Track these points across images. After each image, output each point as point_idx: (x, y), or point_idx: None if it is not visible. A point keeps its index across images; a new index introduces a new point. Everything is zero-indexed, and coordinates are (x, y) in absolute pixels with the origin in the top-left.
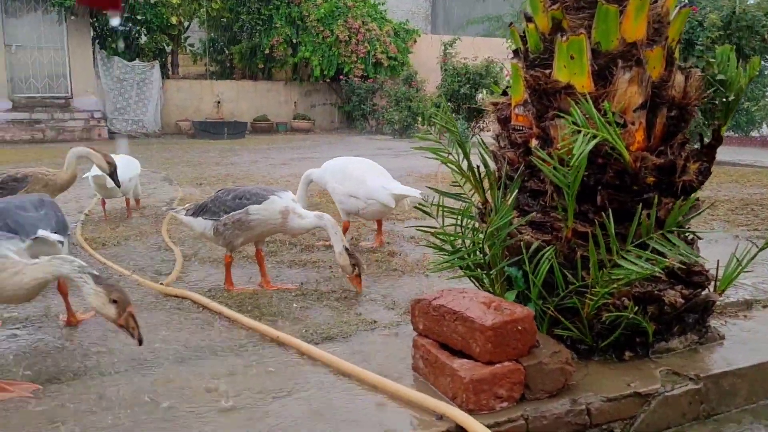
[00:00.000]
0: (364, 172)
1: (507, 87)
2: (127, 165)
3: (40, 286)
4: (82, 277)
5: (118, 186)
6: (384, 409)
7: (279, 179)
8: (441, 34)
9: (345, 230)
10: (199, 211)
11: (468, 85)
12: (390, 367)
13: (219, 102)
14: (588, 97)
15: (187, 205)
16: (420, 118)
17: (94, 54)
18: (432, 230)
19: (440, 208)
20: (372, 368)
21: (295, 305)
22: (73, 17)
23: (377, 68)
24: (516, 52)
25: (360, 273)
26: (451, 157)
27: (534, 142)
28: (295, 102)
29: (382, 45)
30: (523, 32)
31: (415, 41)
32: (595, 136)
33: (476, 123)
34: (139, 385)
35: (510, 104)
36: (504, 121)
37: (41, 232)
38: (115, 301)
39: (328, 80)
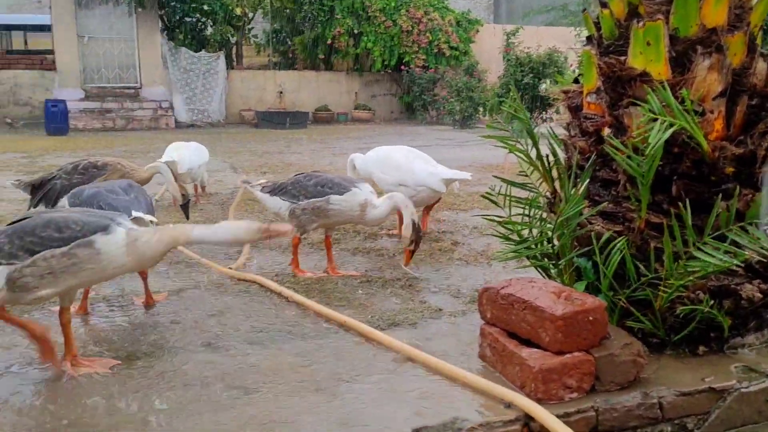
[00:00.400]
0: (410, 160)
1: (579, 75)
2: (197, 152)
3: (166, 252)
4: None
5: (187, 218)
6: (451, 395)
7: (341, 169)
8: (503, 24)
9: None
10: (277, 190)
11: (531, 75)
12: (456, 355)
13: (281, 92)
14: (665, 84)
15: (262, 181)
16: (481, 109)
17: (162, 45)
18: (499, 220)
19: (507, 198)
20: (438, 355)
21: (360, 292)
22: (142, 9)
23: (439, 58)
24: (589, 39)
25: (414, 250)
26: (519, 146)
27: (607, 131)
28: (355, 92)
29: (444, 35)
30: (597, 18)
31: (477, 31)
32: (672, 125)
33: (538, 113)
34: (213, 365)
35: (581, 92)
36: (575, 110)
37: (136, 213)
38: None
39: (389, 70)
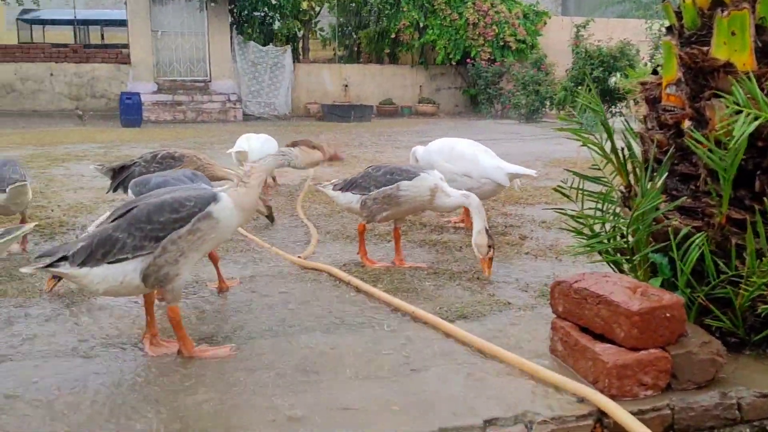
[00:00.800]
0: (476, 152)
1: (657, 66)
2: (267, 143)
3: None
4: None
5: (272, 222)
6: (521, 388)
7: (406, 162)
8: (572, 16)
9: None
10: (348, 186)
11: (601, 68)
12: (525, 348)
13: (346, 86)
14: (751, 75)
15: (333, 180)
16: (548, 103)
17: (231, 39)
18: (571, 214)
19: (579, 192)
20: (507, 348)
21: (428, 283)
22: (213, 4)
23: (505, 51)
24: (669, 29)
25: (492, 257)
26: (592, 139)
27: (687, 123)
28: (420, 86)
29: (510, 28)
30: (678, 8)
31: (545, 23)
32: (757, 117)
33: (608, 107)
34: (285, 350)
35: (660, 84)
36: (653, 102)
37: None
38: None
39: (454, 64)
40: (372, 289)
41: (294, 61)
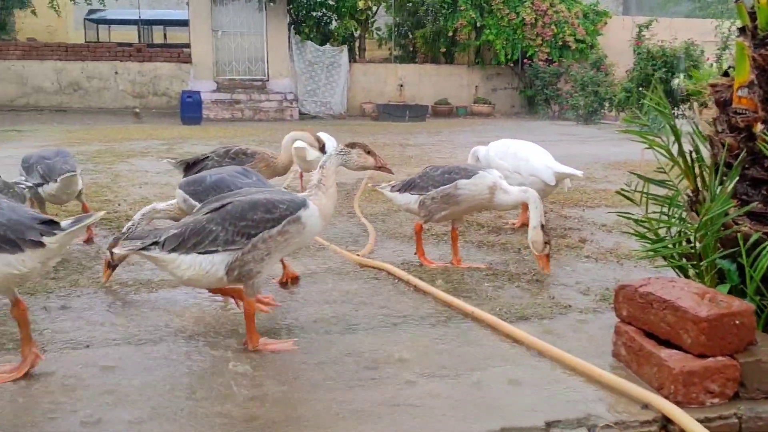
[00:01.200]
0: (529, 152)
1: (729, 68)
2: (328, 142)
3: None
4: None
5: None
6: (584, 391)
7: (461, 162)
8: (633, 16)
9: None
10: (406, 186)
11: (663, 69)
12: (586, 352)
13: (402, 85)
14: None
15: (391, 181)
16: (607, 104)
17: (289, 39)
18: (635, 217)
19: (644, 195)
20: (568, 351)
21: (486, 284)
22: (271, 4)
23: (563, 51)
24: (742, 30)
25: (549, 253)
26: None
27: (759, 127)
28: (476, 86)
29: (570, 27)
30: (752, 8)
31: (606, 23)
32: None
33: (671, 109)
34: (345, 346)
35: (731, 86)
36: (723, 104)
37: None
38: None
39: (510, 64)
40: (431, 288)
41: (350, 61)
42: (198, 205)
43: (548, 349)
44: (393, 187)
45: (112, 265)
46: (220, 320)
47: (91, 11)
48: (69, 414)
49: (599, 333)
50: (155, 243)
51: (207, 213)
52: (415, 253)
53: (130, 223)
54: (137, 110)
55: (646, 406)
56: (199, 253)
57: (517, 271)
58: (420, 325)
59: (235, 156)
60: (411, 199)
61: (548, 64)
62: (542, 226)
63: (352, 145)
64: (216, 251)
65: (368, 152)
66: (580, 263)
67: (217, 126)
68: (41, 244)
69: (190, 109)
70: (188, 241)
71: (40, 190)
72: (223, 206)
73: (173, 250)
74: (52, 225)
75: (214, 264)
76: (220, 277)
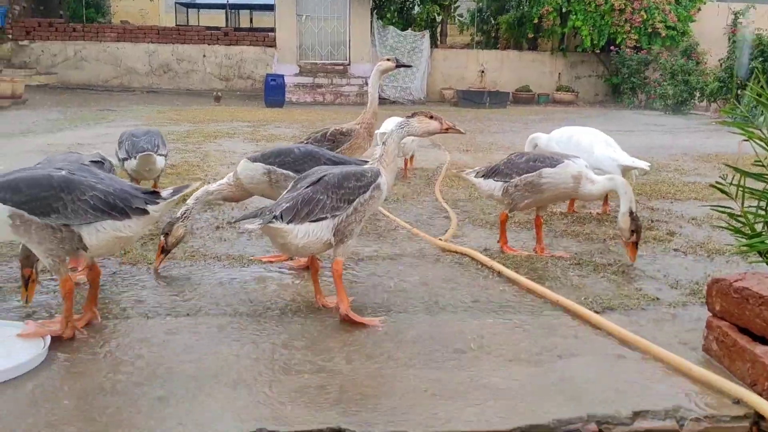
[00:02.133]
0: (592, 142)
1: None
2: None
3: None
4: None
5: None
6: (673, 384)
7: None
8: (729, 2)
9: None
10: (491, 173)
11: (761, 59)
12: (675, 345)
13: (483, 71)
14: None
15: (476, 168)
16: (698, 94)
17: (371, 23)
18: (731, 211)
19: (740, 189)
20: (656, 344)
21: (571, 273)
22: None
23: (653, 39)
24: None
25: (637, 241)
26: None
27: None
28: (559, 73)
29: (660, 13)
30: None
31: (699, 9)
32: None
33: None
34: (431, 327)
35: None
36: None
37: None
38: None
39: (596, 51)
40: (515, 275)
41: (431, 46)
42: (287, 173)
43: (636, 340)
44: (477, 172)
45: (165, 250)
46: (310, 296)
47: None
48: (155, 378)
49: (688, 327)
50: (274, 217)
51: (308, 186)
52: (498, 241)
53: (184, 208)
54: (218, 93)
55: (738, 401)
56: (311, 221)
57: (603, 262)
58: (504, 311)
59: (333, 137)
60: (495, 186)
61: (636, 51)
62: (631, 213)
63: (411, 115)
64: (325, 218)
65: (431, 117)
66: (669, 256)
67: (299, 109)
68: (146, 212)
69: (273, 92)
70: (301, 212)
71: (126, 164)
72: (320, 179)
73: (290, 221)
74: (154, 195)
75: (323, 229)
76: (326, 240)
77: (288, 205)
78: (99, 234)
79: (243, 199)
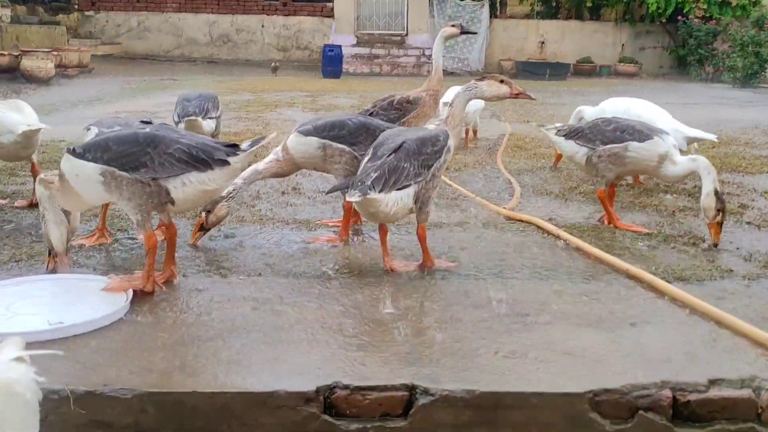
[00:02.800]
0: (652, 113)
1: None
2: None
3: None
4: None
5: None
6: (748, 354)
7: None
8: None
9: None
10: (573, 134)
11: None
12: (750, 317)
13: (543, 42)
14: None
15: (557, 124)
16: None
17: None
18: None
19: None
20: (731, 314)
21: (640, 244)
22: None
23: (723, 8)
24: None
25: (722, 221)
26: None
27: None
28: (622, 44)
29: None
30: None
31: None
32: None
33: None
34: (498, 292)
35: None
36: None
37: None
38: None
39: (662, 21)
40: (583, 244)
41: (491, 17)
42: (343, 147)
43: (710, 309)
44: (559, 131)
45: (205, 228)
46: (378, 262)
47: None
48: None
49: (764, 299)
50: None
51: (390, 154)
52: (609, 223)
53: (231, 187)
54: (276, 64)
55: None
56: (398, 189)
57: (673, 233)
58: (571, 278)
59: (400, 105)
60: (577, 150)
61: (704, 21)
62: (716, 192)
63: (481, 78)
64: (409, 185)
65: (501, 81)
66: (741, 229)
67: (356, 80)
68: (227, 163)
69: (331, 63)
70: (389, 181)
71: (179, 126)
72: (401, 146)
73: (381, 190)
74: (234, 147)
75: (409, 196)
76: (410, 206)
77: (376, 174)
78: (185, 187)
79: (292, 173)
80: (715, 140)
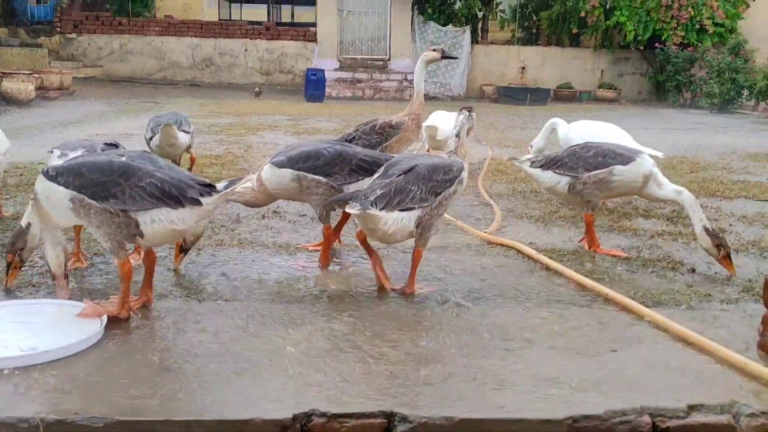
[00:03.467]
0: (609, 135)
1: None
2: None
3: None
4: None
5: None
6: (727, 379)
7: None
8: None
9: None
10: (551, 164)
11: None
12: (729, 341)
13: (524, 68)
14: None
15: (529, 156)
16: (746, 92)
17: (412, 19)
18: None
19: None
20: (710, 339)
21: (619, 268)
22: None
23: (700, 35)
24: None
25: (729, 253)
26: None
27: None
28: (601, 70)
29: (708, 10)
30: None
31: (748, 6)
32: None
33: None
34: (479, 316)
35: None
36: None
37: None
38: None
39: (640, 47)
40: (564, 269)
41: (472, 42)
42: (319, 179)
43: (689, 335)
44: (533, 162)
45: (184, 249)
46: (356, 284)
47: None
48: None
49: (742, 323)
50: (371, 203)
51: (400, 175)
52: (582, 243)
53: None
54: (258, 89)
55: None
56: (401, 210)
57: (651, 257)
58: (551, 303)
59: (382, 130)
60: (558, 180)
61: (681, 48)
62: (707, 230)
63: (469, 108)
64: (413, 208)
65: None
66: None
67: (339, 104)
68: (199, 203)
69: (314, 87)
70: (393, 200)
71: (151, 143)
72: (412, 168)
73: (383, 208)
74: (209, 187)
75: (411, 219)
76: (411, 230)
77: (382, 192)
78: (154, 224)
79: (267, 204)
80: (661, 156)
